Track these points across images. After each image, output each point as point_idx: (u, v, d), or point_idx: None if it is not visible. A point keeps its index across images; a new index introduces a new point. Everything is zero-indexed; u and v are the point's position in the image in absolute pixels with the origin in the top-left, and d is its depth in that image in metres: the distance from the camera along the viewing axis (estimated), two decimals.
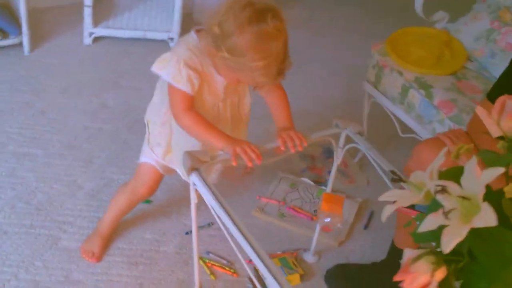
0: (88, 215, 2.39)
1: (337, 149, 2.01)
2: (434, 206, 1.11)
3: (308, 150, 2.72)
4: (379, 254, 2.32)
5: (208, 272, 2.24)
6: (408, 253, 1.14)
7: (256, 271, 2.25)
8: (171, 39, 3.45)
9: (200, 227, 2.38)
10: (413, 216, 1.78)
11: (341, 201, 1.82)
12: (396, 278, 1.11)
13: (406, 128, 2.54)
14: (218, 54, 1.73)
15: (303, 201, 2.55)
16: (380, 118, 2.67)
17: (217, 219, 1.63)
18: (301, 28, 3.83)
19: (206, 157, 1.72)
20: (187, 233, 2.38)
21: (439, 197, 1.09)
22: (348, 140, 1.92)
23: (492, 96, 1.93)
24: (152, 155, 2.07)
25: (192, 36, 1.83)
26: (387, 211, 1.18)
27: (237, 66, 1.73)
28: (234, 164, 1.71)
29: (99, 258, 2.24)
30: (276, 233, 2.44)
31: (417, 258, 1.11)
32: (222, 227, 1.62)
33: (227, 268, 2.25)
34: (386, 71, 2.50)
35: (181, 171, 2.07)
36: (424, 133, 2.40)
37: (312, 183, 2.65)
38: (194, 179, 1.68)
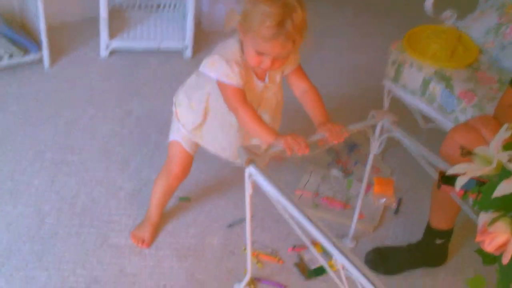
0: (132, 213, 2.51)
1: (373, 139, 2.16)
2: (505, 174, 1.27)
3: (332, 145, 2.87)
4: (411, 237, 2.48)
5: (255, 260, 2.36)
6: (484, 217, 1.29)
7: (301, 258, 2.40)
8: (185, 47, 3.57)
9: (240, 220, 2.52)
10: (451, 194, 1.94)
11: (391, 183, 1.97)
12: (477, 239, 1.26)
13: (426, 120, 2.69)
14: (238, 25, 1.90)
15: (335, 191, 2.70)
16: (399, 112, 2.81)
17: (277, 206, 1.77)
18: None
19: (260, 149, 1.86)
20: (229, 226, 2.50)
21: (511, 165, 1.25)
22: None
23: None
24: (180, 131, 2.17)
25: (232, 39, 1.99)
26: (461, 181, 1.33)
27: (249, 22, 1.86)
28: (289, 154, 1.84)
29: (148, 244, 2.36)
30: None
31: (494, 221, 1.26)
32: (283, 213, 1.76)
33: (272, 256, 2.39)
34: (406, 66, 2.66)
35: (213, 149, 2.19)
36: (446, 123, 2.55)
37: (341, 174, 2.79)
38: (252, 171, 1.81)
